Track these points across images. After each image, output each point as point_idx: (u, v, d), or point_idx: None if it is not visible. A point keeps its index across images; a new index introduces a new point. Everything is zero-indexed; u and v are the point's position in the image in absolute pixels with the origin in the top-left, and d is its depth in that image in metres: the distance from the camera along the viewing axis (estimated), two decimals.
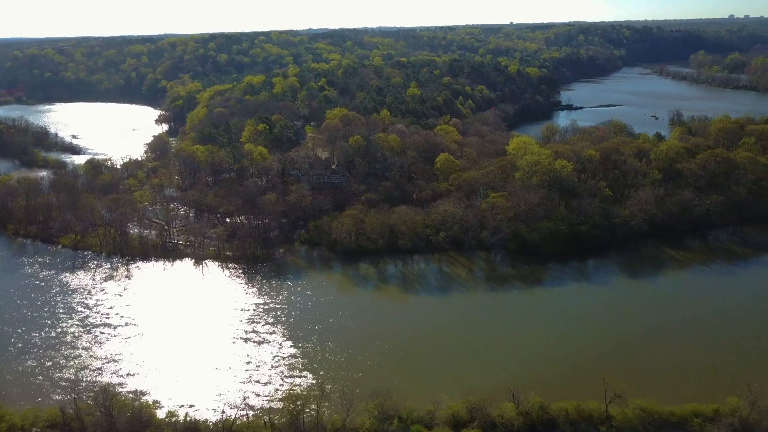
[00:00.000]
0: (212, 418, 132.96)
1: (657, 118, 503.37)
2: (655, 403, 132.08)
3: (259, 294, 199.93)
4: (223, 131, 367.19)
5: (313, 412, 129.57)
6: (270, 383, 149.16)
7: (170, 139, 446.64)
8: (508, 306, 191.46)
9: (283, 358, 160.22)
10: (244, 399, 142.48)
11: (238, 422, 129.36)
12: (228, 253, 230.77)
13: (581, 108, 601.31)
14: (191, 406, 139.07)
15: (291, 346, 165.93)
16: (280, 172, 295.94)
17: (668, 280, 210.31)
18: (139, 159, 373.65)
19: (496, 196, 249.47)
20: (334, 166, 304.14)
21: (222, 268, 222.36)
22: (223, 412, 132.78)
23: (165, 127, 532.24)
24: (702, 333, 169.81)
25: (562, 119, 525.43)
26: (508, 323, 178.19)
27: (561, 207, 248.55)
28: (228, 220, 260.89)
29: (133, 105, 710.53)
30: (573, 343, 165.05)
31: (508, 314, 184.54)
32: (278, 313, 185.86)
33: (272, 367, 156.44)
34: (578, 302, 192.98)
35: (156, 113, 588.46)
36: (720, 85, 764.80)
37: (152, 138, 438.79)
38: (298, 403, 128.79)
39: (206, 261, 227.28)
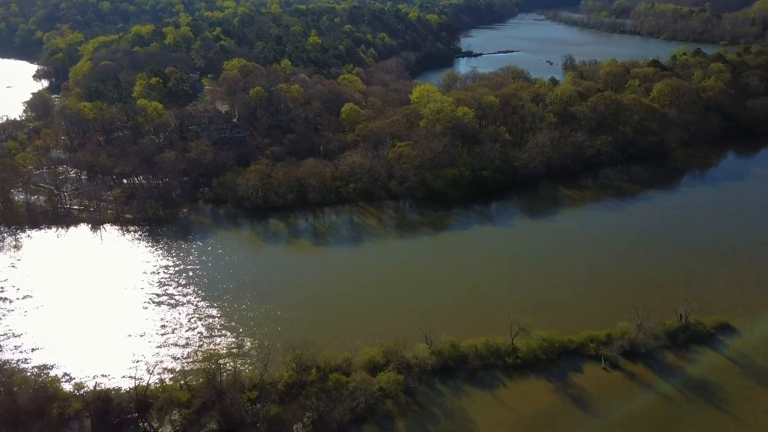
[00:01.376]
0: (126, 386, 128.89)
1: (551, 63, 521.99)
2: (555, 333, 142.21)
3: (167, 256, 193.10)
4: (112, 86, 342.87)
5: (231, 370, 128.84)
6: (188, 345, 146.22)
7: (53, 96, 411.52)
8: (418, 252, 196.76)
9: (200, 319, 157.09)
10: (161, 363, 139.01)
11: (153, 387, 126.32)
12: (128, 215, 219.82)
13: (480, 54, 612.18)
14: (105, 376, 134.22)
15: (207, 306, 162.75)
16: (178, 128, 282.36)
17: (564, 218, 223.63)
18: (18, 119, 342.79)
19: (402, 145, 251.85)
20: (235, 120, 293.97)
21: (122, 231, 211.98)
22: (136, 378, 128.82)
23: (45, 83, 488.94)
24: (596, 266, 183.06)
25: (463, 66, 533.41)
26: (418, 268, 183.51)
27: (464, 153, 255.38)
28: (125, 181, 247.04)
29: (5, 59, 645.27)
30: (480, 282, 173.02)
31: (418, 260, 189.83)
32: (190, 273, 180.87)
33: (189, 329, 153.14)
34: (483, 244, 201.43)
35: (33, 68, 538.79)
36: (608, 30, 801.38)
37: (31, 96, 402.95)
38: (215, 362, 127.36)
39: (104, 225, 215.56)
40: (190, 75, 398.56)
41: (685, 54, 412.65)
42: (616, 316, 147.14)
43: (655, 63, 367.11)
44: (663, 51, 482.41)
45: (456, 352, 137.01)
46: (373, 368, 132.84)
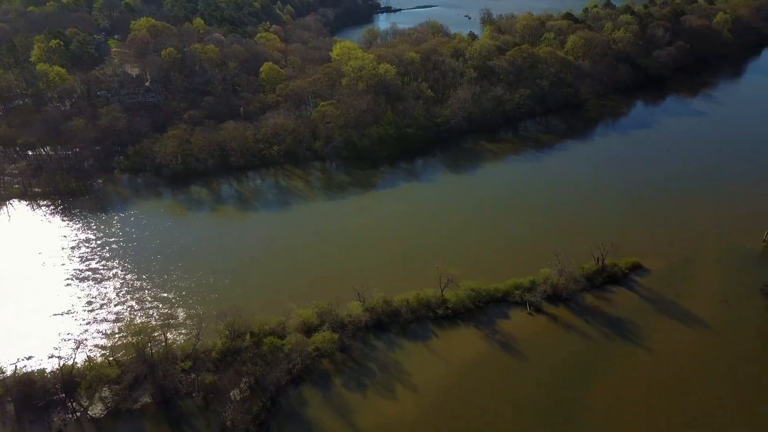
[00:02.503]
0: (51, 366, 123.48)
1: (470, 18, 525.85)
2: (482, 282, 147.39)
3: (86, 229, 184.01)
4: (7, 50, 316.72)
5: (162, 342, 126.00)
6: (117, 320, 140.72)
7: None
8: (347, 212, 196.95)
9: (129, 293, 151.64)
10: (89, 341, 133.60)
11: (81, 366, 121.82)
12: (36, 189, 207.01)
13: (399, 10, 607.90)
14: (29, 359, 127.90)
15: (135, 279, 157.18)
16: (85, 94, 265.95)
17: (487, 172, 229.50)
18: None
19: (325, 104, 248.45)
20: (148, 84, 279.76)
21: (32, 206, 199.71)
22: (61, 358, 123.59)
23: None
24: (518, 215, 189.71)
25: (383, 22, 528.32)
26: (347, 228, 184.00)
27: (388, 111, 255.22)
28: (30, 152, 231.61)
29: None
30: (409, 238, 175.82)
31: (347, 220, 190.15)
32: (114, 246, 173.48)
33: (118, 303, 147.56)
34: (410, 201, 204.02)
35: None
36: None
37: None
38: (146, 335, 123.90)
39: (11, 201, 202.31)
40: (95, 36, 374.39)
41: (596, 6, 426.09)
42: (538, 263, 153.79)
43: (568, 16, 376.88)
44: (576, 4, 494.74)
45: (388, 307, 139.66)
46: (308, 329, 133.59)
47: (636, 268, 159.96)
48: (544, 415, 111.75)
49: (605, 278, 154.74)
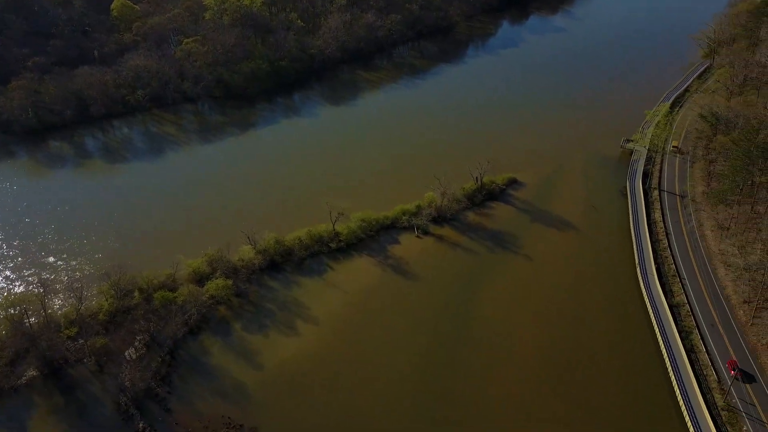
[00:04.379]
0: None
1: None
2: (371, 212, 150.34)
3: None
4: None
5: (41, 312, 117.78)
6: None
7: None
8: (227, 154, 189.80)
9: (1, 261, 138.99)
10: None
11: None
12: None
13: None
14: None
15: (7, 248, 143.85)
16: None
17: (365, 101, 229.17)
18: None
19: (189, 41, 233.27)
20: None
21: None
22: None
23: None
24: (400, 143, 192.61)
25: None
26: (229, 171, 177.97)
27: (258, 45, 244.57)
28: None
29: None
30: (296, 176, 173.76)
31: (228, 162, 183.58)
32: None
33: None
34: (292, 137, 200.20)
35: None
36: None
37: None
38: (21, 307, 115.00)
39: None
40: None
41: None
42: (422, 188, 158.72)
43: None
44: None
45: (281, 247, 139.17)
46: (200, 279, 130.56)
47: (512, 182, 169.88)
48: (438, 328, 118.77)
49: (485, 195, 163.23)
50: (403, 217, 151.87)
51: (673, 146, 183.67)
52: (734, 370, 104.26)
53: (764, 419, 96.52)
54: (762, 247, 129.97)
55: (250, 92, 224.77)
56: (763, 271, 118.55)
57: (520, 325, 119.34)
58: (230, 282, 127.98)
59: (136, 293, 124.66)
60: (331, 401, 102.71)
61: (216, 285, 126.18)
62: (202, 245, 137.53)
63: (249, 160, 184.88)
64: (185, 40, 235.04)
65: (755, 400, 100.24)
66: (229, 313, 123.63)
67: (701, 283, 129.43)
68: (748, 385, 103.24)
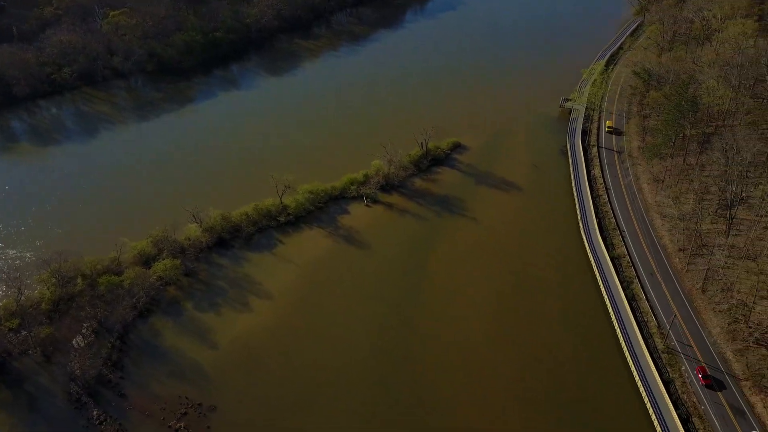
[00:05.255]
0: None
1: None
2: (319, 184, 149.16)
3: None
4: None
5: None
6: None
7: None
8: (165, 131, 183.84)
9: None
10: None
11: None
12: None
13: None
14: None
15: None
16: None
17: (305, 70, 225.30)
18: None
19: (116, 14, 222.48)
20: None
21: None
22: None
23: None
24: (343, 111, 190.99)
25: None
26: (169, 149, 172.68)
27: (190, 16, 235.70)
28: None
29: None
30: (238, 151, 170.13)
31: (167, 140, 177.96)
32: None
33: None
34: (232, 110, 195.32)
35: None
36: None
37: None
38: None
39: None
40: None
41: None
42: (369, 156, 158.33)
43: None
44: None
45: (228, 223, 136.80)
46: (146, 260, 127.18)
47: (456, 147, 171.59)
48: (392, 294, 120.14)
49: (430, 161, 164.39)
50: (352, 187, 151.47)
51: (607, 126, 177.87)
52: (704, 377, 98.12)
53: (701, 358, 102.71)
54: (694, 197, 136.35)
55: (185, 65, 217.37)
56: (695, 220, 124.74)
57: (471, 285, 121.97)
58: (178, 262, 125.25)
59: (79, 279, 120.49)
60: (289, 374, 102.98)
61: (163, 266, 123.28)
62: (147, 226, 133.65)
63: (189, 136, 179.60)
64: (111, 13, 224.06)
65: (692, 342, 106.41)
66: (179, 294, 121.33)
67: (640, 234, 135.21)
68: (685, 327, 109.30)
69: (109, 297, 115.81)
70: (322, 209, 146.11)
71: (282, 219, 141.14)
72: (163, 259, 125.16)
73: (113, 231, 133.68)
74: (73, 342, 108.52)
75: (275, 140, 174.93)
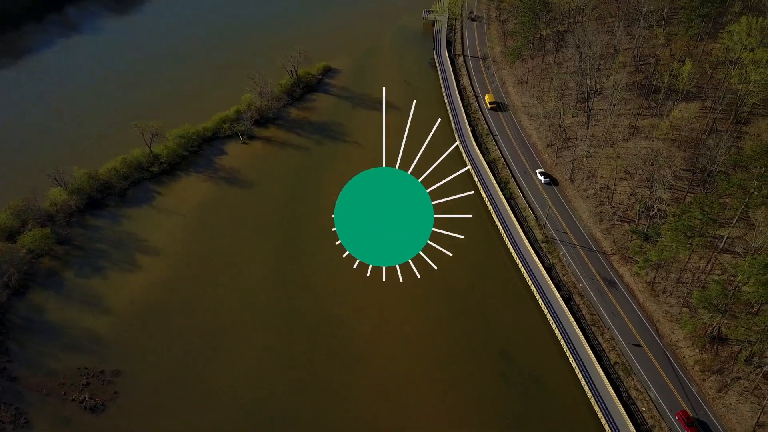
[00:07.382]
0: None
1: None
2: (189, 127, 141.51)
3: None
4: None
5: None
6: None
7: None
8: (3, 88, 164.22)
9: None
10: None
11: None
12: None
13: None
14: None
15: None
16: None
17: (155, 6, 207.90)
18: None
19: None
20: None
21: None
22: None
23: None
24: (205, 46, 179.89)
25: None
26: (16, 107, 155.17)
27: None
28: None
29: None
30: (92, 102, 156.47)
31: (9, 98, 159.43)
32: None
33: None
34: (75, 57, 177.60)
35: None
36: None
37: None
38: None
39: None
40: None
41: None
42: (238, 91, 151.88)
43: None
44: None
45: (96, 182, 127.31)
46: (10, 234, 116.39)
47: (327, 71, 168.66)
48: (283, 226, 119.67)
49: (303, 89, 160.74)
50: (224, 126, 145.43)
51: (489, 103, 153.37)
52: (687, 424, 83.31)
53: (575, 242, 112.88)
54: (555, 94, 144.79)
55: (12, 13, 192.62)
56: (559, 116, 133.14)
57: None
58: (48, 230, 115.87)
59: None
60: (192, 324, 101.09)
61: (31, 236, 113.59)
62: (3, 197, 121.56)
63: (32, 90, 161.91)
64: None
65: (566, 228, 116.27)
66: (55, 264, 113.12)
67: (510, 136, 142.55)
68: (559, 216, 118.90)
69: None
70: (197, 153, 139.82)
71: (155, 169, 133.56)
72: (31, 231, 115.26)
73: None
74: None
75: (132, 86, 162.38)
